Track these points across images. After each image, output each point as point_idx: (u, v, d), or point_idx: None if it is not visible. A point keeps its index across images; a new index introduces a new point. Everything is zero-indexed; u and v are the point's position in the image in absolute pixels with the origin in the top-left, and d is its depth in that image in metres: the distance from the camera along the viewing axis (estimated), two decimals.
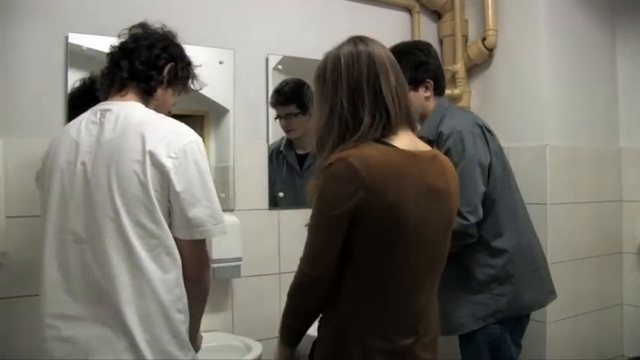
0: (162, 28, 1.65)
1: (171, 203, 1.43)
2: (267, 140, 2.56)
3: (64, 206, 1.45)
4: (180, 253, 1.47)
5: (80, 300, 1.41)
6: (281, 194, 2.58)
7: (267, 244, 2.52)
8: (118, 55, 1.58)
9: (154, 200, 1.40)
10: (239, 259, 2.34)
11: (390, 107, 1.35)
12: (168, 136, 1.44)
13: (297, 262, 2.43)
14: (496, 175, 2.08)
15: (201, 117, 2.36)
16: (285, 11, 2.62)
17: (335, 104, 1.37)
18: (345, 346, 1.35)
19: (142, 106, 1.54)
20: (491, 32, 2.88)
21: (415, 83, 2.13)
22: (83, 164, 1.44)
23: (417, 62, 2.16)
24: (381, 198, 1.29)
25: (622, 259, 3.02)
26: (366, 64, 1.36)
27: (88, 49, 2.10)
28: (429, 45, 2.28)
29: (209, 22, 2.41)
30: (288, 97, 2.59)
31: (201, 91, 2.27)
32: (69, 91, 2.08)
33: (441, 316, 2.03)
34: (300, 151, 2.64)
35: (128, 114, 1.47)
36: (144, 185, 1.39)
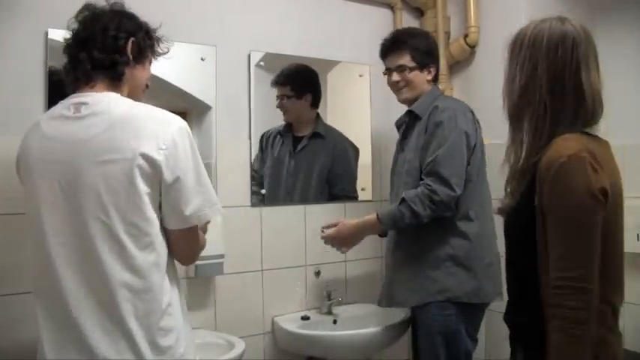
0: (109, 2, 1.56)
1: (162, 196, 1.40)
2: (250, 137, 2.56)
3: (44, 206, 1.41)
4: (171, 242, 1.46)
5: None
6: (263, 191, 2.59)
7: (249, 241, 2.53)
8: (75, 47, 1.49)
9: (145, 197, 1.37)
10: (221, 256, 2.35)
11: (587, 98, 1.33)
12: (155, 128, 1.39)
13: (279, 258, 2.57)
14: (476, 161, 2.16)
15: (183, 114, 2.27)
16: (267, 7, 2.62)
17: (533, 82, 1.35)
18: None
19: (118, 96, 1.46)
20: (473, 29, 2.90)
21: (422, 64, 2.29)
22: (61, 162, 1.39)
23: (429, 47, 2.34)
24: (611, 188, 1.27)
25: None
26: (570, 48, 1.33)
27: None
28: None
29: (190, 18, 2.39)
30: (285, 78, 2.66)
31: (182, 88, 2.34)
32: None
33: (389, 288, 2.26)
34: (297, 134, 2.72)
35: (106, 107, 1.41)
36: (133, 183, 1.35)
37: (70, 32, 1.52)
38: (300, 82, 2.69)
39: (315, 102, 2.75)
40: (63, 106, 1.46)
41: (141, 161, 1.35)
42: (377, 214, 2.21)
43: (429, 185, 2.07)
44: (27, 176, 1.46)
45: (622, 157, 2.88)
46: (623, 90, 3.00)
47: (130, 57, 1.51)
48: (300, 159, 2.70)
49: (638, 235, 2.84)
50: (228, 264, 2.39)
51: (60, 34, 2.00)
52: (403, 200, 2.11)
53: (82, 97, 1.45)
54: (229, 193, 2.44)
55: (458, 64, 3.04)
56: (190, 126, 2.23)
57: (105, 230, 1.36)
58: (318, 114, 2.76)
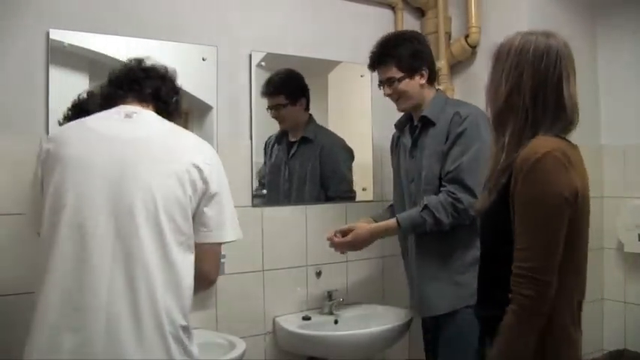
0: (162, 67, 1.69)
1: (199, 208, 1.48)
2: (251, 137, 2.56)
3: (83, 199, 1.41)
4: (196, 258, 1.49)
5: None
6: (264, 191, 2.60)
7: (250, 242, 2.52)
8: (139, 71, 1.62)
9: (188, 200, 1.45)
10: (222, 256, 2.21)
11: (567, 109, 1.39)
12: (201, 145, 1.55)
13: (280, 258, 2.58)
14: None
15: (184, 114, 2.28)
16: (268, 8, 2.62)
17: (517, 89, 1.40)
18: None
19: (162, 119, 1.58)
20: (474, 30, 2.91)
21: (411, 71, 2.21)
22: (111, 156, 1.43)
23: (414, 50, 2.23)
24: (581, 189, 1.35)
25: (602, 255, 3.05)
26: (554, 60, 1.39)
27: (69, 45, 2.09)
28: (423, 35, 2.39)
29: (192, 19, 2.39)
30: (277, 88, 2.63)
31: (183, 88, 2.25)
32: (72, 101, 2.01)
33: (420, 297, 2.22)
34: (292, 139, 2.71)
35: (154, 120, 1.54)
36: (183, 185, 1.44)
37: (132, 63, 1.65)
38: (294, 89, 2.68)
39: (308, 105, 2.75)
40: (112, 112, 1.54)
41: (192, 169, 1.46)
42: (397, 219, 2.19)
43: (453, 193, 2.05)
44: (60, 170, 1.43)
45: (622, 157, 2.96)
46: (623, 91, 3.03)
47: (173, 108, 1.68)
48: (293, 165, 2.70)
49: (638, 235, 2.85)
50: (229, 264, 2.39)
51: (61, 35, 2.08)
52: (426, 207, 2.10)
53: (132, 108, 1.55)
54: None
55: (459, 64, 3.05)
56: (191, 126, 2.40)
57: (150, 222, 1.40)
58: (310, 116, 2.75)
